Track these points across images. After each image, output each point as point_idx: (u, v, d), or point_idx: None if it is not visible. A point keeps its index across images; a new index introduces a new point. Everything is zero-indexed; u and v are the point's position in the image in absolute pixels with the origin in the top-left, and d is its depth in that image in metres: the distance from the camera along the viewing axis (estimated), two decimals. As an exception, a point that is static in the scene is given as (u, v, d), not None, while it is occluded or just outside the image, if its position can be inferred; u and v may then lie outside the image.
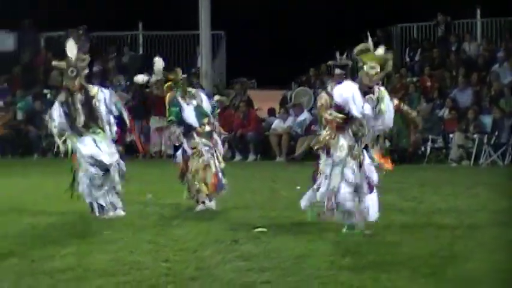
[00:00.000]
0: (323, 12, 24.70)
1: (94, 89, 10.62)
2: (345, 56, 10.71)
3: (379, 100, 8.75)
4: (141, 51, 25.85)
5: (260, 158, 21.07)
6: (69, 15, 24.78)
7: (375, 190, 8.97)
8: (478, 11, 23.35)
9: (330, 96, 9.04)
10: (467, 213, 10.69)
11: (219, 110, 11.74)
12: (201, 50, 23.52)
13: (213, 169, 11.00)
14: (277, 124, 21.28)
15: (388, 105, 8.82)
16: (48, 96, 23.57)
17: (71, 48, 10.75)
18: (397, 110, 9.15)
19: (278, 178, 15.81)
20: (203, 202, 11.04)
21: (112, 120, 10.64)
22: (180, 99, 11.02)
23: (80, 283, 6.64)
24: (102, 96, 10.58)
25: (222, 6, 22.98)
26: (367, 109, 8.68)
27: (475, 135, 18.87)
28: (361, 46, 8.79)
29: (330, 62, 16.78)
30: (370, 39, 8.80)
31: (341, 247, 8.11)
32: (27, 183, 14.92)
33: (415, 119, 10.22)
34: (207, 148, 11.03)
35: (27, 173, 17.06)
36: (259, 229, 9.09)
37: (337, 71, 16.20)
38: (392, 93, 20.74)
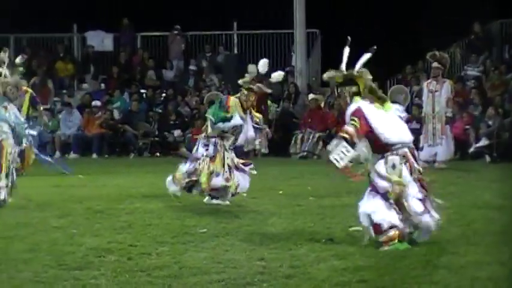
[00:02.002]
0: (418, 8, 24.50)
1: None
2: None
3: None
4: (235, 51, 25.96)
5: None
6: (165, 16, 25.08)
7: None
8: None
9: None
10: None
11: None
12: (296, 49, 23.58)
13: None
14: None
15: None
16: (144, 96, 23.96)
17: None
18: None
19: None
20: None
21: None
22: None
23: (175, 280, 6.68)
24: None
25: (317, 5, 22.97)
26: None
27: None
28: (328, 74, 8.47)
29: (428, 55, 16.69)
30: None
31: (437, 247, 7.96)
32: (123, 182, 14.99)
33: None
34: None
35: (123, 172, 17.20)
36: (355, 228, 8.97)
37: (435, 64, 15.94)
38: (490, 90, 20.81)
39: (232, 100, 11.39)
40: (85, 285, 6.58)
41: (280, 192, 12.34)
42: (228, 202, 11.29)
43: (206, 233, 9.05)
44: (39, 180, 15.01)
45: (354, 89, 8.10)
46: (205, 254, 7.82)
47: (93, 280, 6.73)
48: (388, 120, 8.01)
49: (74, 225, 9.78)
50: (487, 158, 18.74)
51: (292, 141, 20.65)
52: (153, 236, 8.91)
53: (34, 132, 16.07)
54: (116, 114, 23.07)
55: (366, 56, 8.20)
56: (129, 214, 10.63)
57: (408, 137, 8.05)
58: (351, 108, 7.96)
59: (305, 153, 20.25)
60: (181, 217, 10.36)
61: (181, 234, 8.99)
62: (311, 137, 20.21)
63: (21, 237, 8.80)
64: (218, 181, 11.16)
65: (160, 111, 22.99)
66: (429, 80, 17.21)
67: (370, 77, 8.17)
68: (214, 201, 11.35)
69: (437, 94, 16.69)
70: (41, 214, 10.75)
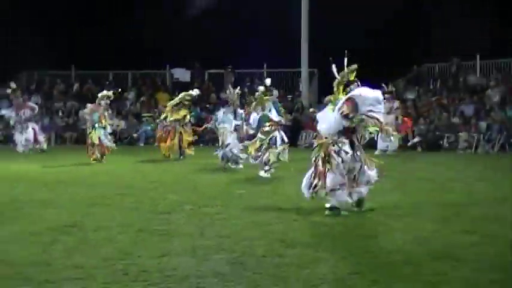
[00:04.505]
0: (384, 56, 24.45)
1: None
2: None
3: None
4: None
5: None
6: (222, 59, 25.17)
7: None
8: (478, 56, 22.89)
9: None
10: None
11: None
12: (302, 81, 23.77)
13: None
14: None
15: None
16: (209, 108, 24.10)
17: None
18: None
19: None
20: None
21: None
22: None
23: (228, 220, 6.76)
24: None
25: (315, 52, 23.05)
26: None
27: (475, 134, 18.62)
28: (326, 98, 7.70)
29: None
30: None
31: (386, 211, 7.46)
32: (194, 161, 14.37)
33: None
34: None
35: (199, 157, 15.31)
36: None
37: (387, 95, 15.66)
38: (421, 107, 20.78)
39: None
40: (170, 223, 6.68)
41: (292, 169, 12.47)
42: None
43: (243, 193, 8.99)
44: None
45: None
46: (246, 206, 7.92)
47: (176, 220, 6.87)
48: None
49: (163, 187, 9.80)
50: (419, 149, 18.78)
51: (300, 137, 20.73)
52: (210, 195, 8.86)
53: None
54: (192, 120, 23.21)
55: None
56: (196, 181, 10.54)
57: None
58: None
59: (307, 145, 20.31)
60: (230, 183, 10.26)
61: (230, 194, 8.97)
62: (311, 135, 20.31)
63: (131, 194, 8.86)
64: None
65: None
66: (384, 101, 17.22)
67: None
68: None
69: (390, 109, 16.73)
70: (143, 180, 10.79)
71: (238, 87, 14.63)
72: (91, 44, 25.13)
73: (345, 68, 7.28)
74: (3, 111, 18.31)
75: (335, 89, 7.33)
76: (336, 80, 7.29)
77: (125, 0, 26.06)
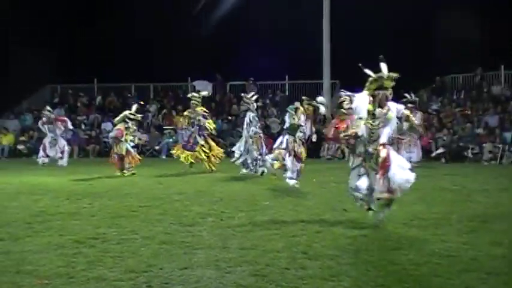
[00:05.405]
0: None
1: None
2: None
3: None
4: (287, 93, 26.04)
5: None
6: (244, 71, 25.24)
7: None
8: (502, 66, 22.69)
9: None
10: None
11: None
12: (324, 92, 23.63)
13: None
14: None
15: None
16: (231, 119, 24.14)
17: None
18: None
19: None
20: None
21: None
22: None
23: (249, 233, 6.73)
24: None
25: (338, 64, 23.02)
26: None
27: (500, 145, 18.40)
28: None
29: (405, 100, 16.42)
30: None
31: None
32: (217, 173, 14.43)
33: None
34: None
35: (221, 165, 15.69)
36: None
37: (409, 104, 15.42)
38: (444, 118, 20.64)
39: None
40: (194, 235, 6.64)
41: (314, 180, 12.38)
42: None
43: (268, 204, 9.00)
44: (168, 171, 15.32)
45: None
46: (268, 217, 7.86)
47: (199, 232, 6.82)
48: None
49: (187, 199, 9.73)
50: (443, 160, 18.58)
51: (322, 149, 20.64)
52: (236, 206, 8.89)
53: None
54: (214, 132, 23.21)
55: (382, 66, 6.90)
56: (220, 192, 10.59)
57: None
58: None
59: (330, 157, 20.25)
60: (254, 194, 10.25)
61: (253, 205, 8.96)
62: (333, 147, 20.20)
63: (155, 206, 8.85)
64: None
65: (240, 130, 23.12)
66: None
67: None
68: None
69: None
70: (167, 192, 10.77)
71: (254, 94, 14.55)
72: (112, 56, 25.36)
73: (384, 71, 6.87)
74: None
75: (366, 86, 7.00)
76: (371, 78, 6.92)
77: (145, 13, 26.26)
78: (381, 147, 6.96)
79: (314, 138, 11.83)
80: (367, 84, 6.99)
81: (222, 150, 15.55)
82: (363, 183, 7.08)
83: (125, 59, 25.22)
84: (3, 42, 25.25)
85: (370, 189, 7.07)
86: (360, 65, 6.93)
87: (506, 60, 22.30)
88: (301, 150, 10.95)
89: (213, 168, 14.87)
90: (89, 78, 26.85)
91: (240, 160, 13.73)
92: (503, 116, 20.12)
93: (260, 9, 24.39)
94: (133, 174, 14.27)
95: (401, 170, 6.88)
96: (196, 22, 26.33)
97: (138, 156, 15.11)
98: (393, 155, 7.04)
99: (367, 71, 6.93)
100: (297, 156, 10.85)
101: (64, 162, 16.98)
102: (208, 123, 15.16)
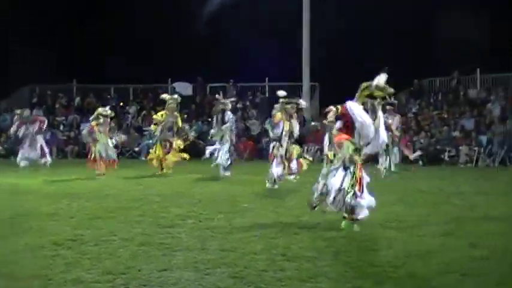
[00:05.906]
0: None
1: None
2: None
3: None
4: (267, 95, 26.05)
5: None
6: (225, 73, 25.23)
7: None
8: (478, 70, 22.97)
9: None
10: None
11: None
12: (303, 94, 23.72)
13: None
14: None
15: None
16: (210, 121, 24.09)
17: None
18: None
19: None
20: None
21: None
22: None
23: (228, 235, 6.72)
24: None
25: (317, 67, 23.09)
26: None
27: (476, 148, 18.59)
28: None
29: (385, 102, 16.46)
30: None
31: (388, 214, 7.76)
32: (197, 171, 14.51)
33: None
34: None
35: (196, 167, 16.08)
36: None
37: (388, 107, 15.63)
38: (422, 121, 20.80)
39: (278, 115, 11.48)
40: (173, 237, 6.61)
41: (295, 181, 12.39)
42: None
43: (247, 206, 9.01)
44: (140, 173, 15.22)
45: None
46: (248, 220, 7.79)
47: (178, 234, 6.78)
48: None
49: (166, 200, 9.75)
50: (420, 163, 18.73)
51: (302, 150, 20.61)
52: (215, 207, 8.86)
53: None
54: (193, 133, 23.13)
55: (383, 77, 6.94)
56: (200, 194, 10.58)
57: None
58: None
59: (310, 158, 20.27)
60: (234, 196, 10.28)
61: (233, 207, 8.96)
62: (312, 148, 20.26)
63: (134, 208, 8.80)
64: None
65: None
66: (385, 115, 17.16)
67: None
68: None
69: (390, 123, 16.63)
70: (146, 193, 10.75)
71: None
72: (92, 57, 25.19)
73: (379, 81, 6.86)
74: None
75: (358, 93, 6.98)
76: (363, 85, 6.95)
77: (126, 15, 26.11)
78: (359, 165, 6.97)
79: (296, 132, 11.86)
80: (359, 91, 6.99)
81: (186, 156, 15.44)
82: (336, 182, 6.97)
83: (105, 59, 25.09)
84: (3, 42, 25.02)
85: (342, 190, 6.94)
86: (387, 68, 6.94)
87: (481, 64, 22.58)
88: (291, 150, 11.52)
89: (165, 170, 14.89)
90: (68, 78, 26.63)
91: (229, 162, 13.79)
92: (479, 120, 20.38)
93: (241, 10, 24.37)
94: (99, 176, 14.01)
95: (367, 195, 6.97)
96: (178, 24, 26.25)
97: (115, 157, 14.78)
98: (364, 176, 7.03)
99: (383, 77, 6.89)
100: (289, 158, 11.51)
101: (48, 158, 16.67)
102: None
